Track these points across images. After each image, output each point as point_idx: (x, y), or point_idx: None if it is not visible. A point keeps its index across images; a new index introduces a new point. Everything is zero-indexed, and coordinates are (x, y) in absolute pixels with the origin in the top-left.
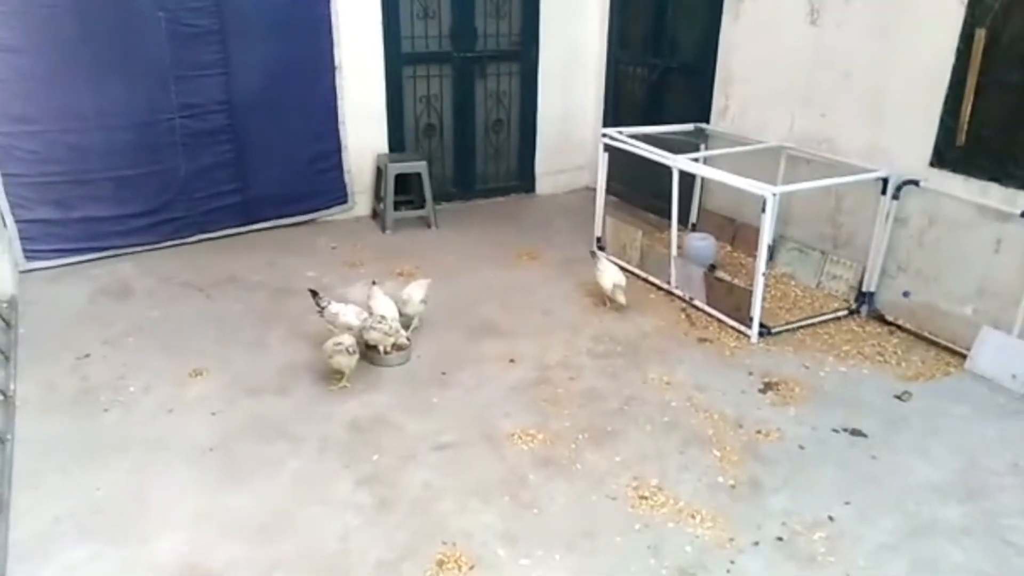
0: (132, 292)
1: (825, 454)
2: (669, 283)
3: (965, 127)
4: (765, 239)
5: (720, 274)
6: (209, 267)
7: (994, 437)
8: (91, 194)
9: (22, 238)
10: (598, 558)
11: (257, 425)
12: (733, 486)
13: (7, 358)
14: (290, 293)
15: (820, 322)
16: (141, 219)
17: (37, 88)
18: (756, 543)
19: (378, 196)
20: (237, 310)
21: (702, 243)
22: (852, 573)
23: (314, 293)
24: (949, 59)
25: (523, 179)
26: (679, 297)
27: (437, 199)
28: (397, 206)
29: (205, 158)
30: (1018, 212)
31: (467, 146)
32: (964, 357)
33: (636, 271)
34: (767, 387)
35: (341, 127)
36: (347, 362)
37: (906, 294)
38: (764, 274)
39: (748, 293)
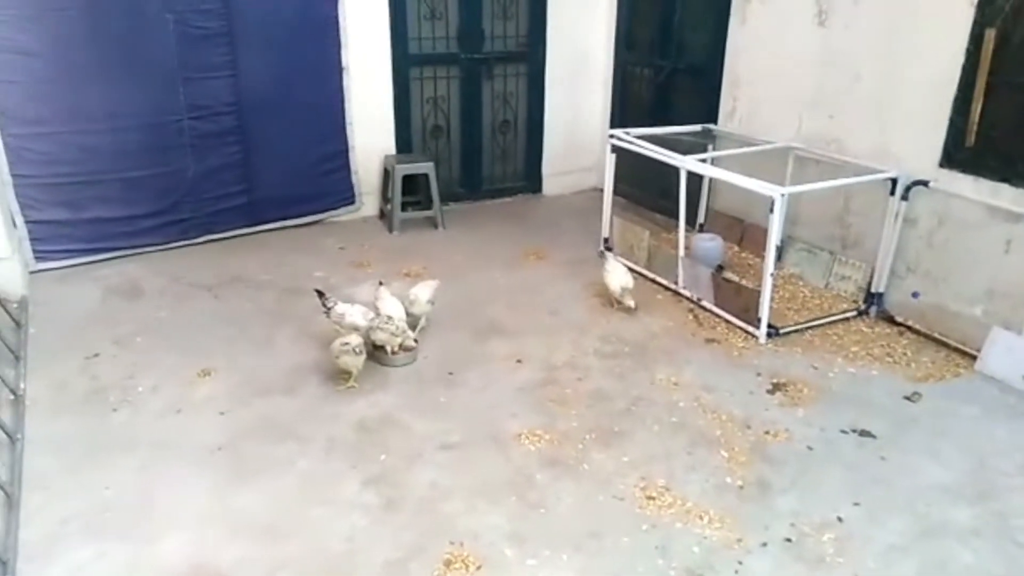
0: (141, 292)
1: (834, 455)
2: (677, 284)
3: (975, 128)
4: (773, 240)
5: (728, 275)
6: (217, 267)
7: (1004, 438)
8: (100, 195)
9: (32, 239)
10: (605, 558)
11: (265, 425)
12: (741, 487)
13: (17, 358)
14: (298, 293)
15: (829, 323)
16: (150, 220)
17: (49, 90)
18: (764, 544)
19: (385, 197)
20: (245, 310)
21: (710, 244)
22: (861, 574)
23: (320, 293)
24: (958, 59)
25: (530, 180)
26: (687, 298)
27: (444, 200)
28: (404, 207)
29: (213, 159)
30: None
31: (474, 147)
32: (974, 358)
33: (644, 271)
34: (775, 388)
35: (348, 128)
36: (354, 362)
37: (915, 295)
38: (772, 275)
39: (756, 294)
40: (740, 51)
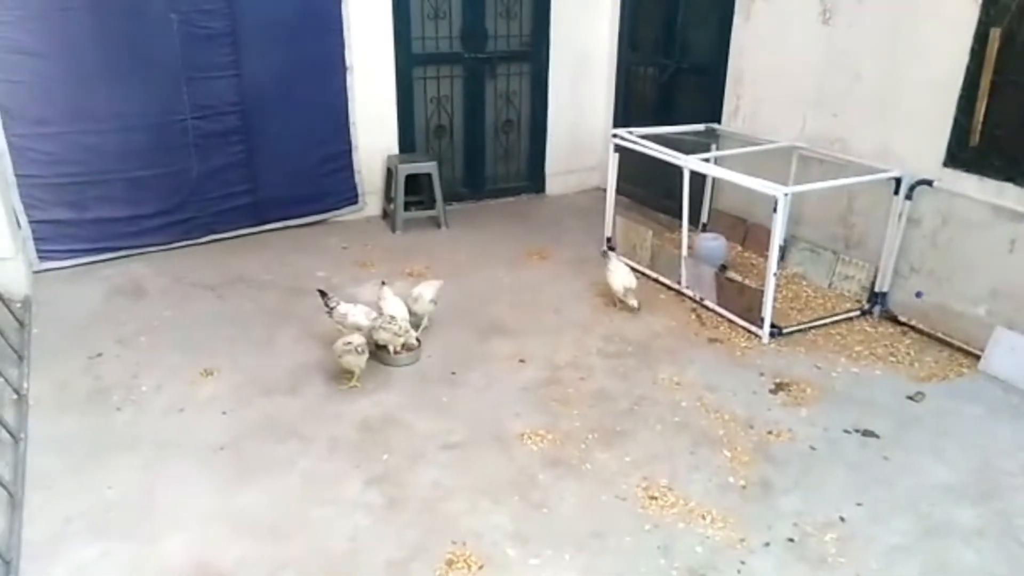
0: (144, 292)
1: (837, 455)
2: (680, 283)
3: (979, 127)
4: (776, 239)
5: (731, 274)
6: (221, 267)
7: (1008, 438)
8: (104, 195)
9: (36, 239)
10: (608, 558)
11: (268, 425)
12: (744, 487)
13: (21, 358)
14: (301, 293)
15: (832, 322)
16: (154, 220)
17: (54, 90)
18: (767, 544)
19: (388, 196)
20: (248, 310)
21: (713, 243)
22: (864, 575)
23: (323, 293)
24: (963, 59)
25: (533, 180)
26: (690, 297)
27: (447, 199)
28: (407, 206)
29: (217, 159)
30: None
31: (477, 147)
32: (977, 358)
33: (646, 271)
34: (778, 388)
35: (352, 128)
36: (357, 361)
37: (919, 294)
38: (775, 274)
39: (759, 293)
40: (744, 50)
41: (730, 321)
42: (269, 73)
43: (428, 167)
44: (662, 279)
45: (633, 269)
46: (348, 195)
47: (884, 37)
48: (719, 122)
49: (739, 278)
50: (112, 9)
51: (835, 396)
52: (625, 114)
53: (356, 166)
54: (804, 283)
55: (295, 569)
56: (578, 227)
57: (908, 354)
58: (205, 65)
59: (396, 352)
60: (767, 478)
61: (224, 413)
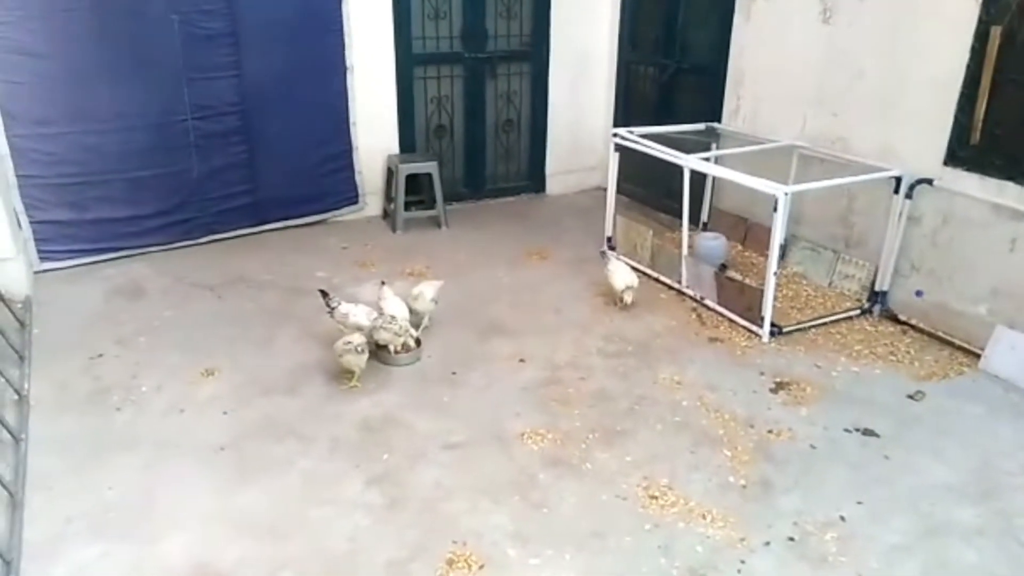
0: (145, 292)
1: (837, 454)
2: (680, 283)
3: (980, 126)
4: (777, 238)
5: (731, 274)
6: (221, 267)
7: (1008, 437)
8: (105, 195)
9: (36, 239)
10: (608, 558)
11: (268, 425)
12: (744, 486)
13: (21, 358)
14: (301, 293)
15: (832, 322)
16: (154, 220)
17: (54, 91)
18: (767, 543)
19: (389, 196)
20: (248, 310)
21: (713, 242)
22: (864, 574)
23: (324, 293)
24: (963, 57)
25: (533, 179)
26: (690, 297)
27: (447, 199)
28: (408, 206)
29: (218, 159)
30: None
31: (477, 146)
32: (978, 357)
33: (647, 271)
34: (778, 387)
35: (352, 128)
36: (357, 361)
37: (919, 293)
38: (776, 273)
39: (759, 293)
40: (744, 49)
41: (730, 320)
42: (269, 73)
43: (428, 167)
44: (662, 278)
45: (633, 268)
46: (348, 195)
47: (884, 36)
48: (719, 121)
49: (739, 277)
50: (113, 10)
51: (835, 395)
52: (625, 114)
53: (356, 166)
54: (804, 282)
55: (295, 569)
56: (578, 227)
57: (908, 353)
58: (205, 65)
59: (396, 352)
60: (767, 477)
61: (224, 413)
